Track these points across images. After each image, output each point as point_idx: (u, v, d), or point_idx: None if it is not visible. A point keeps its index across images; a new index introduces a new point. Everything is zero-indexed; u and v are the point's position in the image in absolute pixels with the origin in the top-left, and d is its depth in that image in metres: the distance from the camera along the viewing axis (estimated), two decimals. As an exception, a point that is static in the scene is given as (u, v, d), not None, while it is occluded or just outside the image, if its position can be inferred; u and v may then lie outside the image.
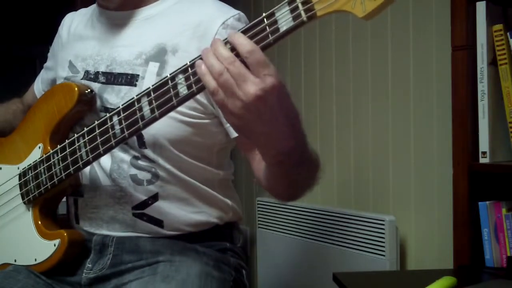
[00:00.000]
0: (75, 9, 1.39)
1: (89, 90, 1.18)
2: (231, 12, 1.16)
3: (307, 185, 1.07)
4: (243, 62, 0.83)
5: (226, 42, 0.86)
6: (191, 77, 0.90)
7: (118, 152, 1.16)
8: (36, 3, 2.94)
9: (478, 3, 1.36)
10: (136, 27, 1.20)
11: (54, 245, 1.16)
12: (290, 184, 1.03)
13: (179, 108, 1.06)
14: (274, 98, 0.83)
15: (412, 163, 1.80)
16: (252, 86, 0.82)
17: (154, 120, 0.98)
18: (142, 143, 1.14)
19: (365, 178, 1.97)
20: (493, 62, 1.36)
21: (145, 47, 1.16)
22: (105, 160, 1.17)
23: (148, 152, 1.15)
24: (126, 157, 1.16)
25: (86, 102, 1.18)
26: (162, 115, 0.96)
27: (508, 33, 1.34)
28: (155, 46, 1.16)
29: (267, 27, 0.85)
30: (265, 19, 0.85)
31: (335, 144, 2.10)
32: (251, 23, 0.87)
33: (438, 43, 1.70)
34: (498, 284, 1.26)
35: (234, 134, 1.13)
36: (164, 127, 1.12)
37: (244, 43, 0.83)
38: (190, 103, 1.08)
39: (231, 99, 0.83)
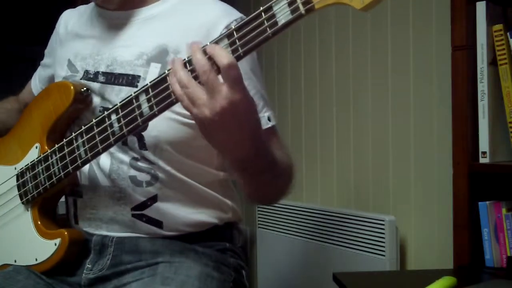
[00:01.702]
0: (74, 7, 1.37)
1: (84, 88, 1.17)
2: (233, 15, 1.15)
3: (276, 191, 1.12)
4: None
5: (204, 50, 0.88)
6: (190, 73, 0.91)
7: (117, 153, 1.16)
8: (35, 3, 2.94)
9: (478, 3, 1.36)
10: (137, 27, 1.20)
11: (55, 245, 1.16)
12: (257, 190, 1.08)
13: (180, 110, 1.08)
14: (241, 112, 0.87)
15: (412, 163, 1.80)
16: (222, 100, 0.85)
17: (153, 116, 0.98)
18: (142, 145, 1.14)
19: (365, 178, 1.97)
20: (493, 62, 1.36)
21: (147, 47, 1.16)
22: (105, 161, 1.17)
23: (148, 154, 1.14)
24: (126, 158, 1.16)
25: (82, 101, 1.18)
26: (161, 111, 0.97)
27: (508, 33, 1.34)
28: (157, 46, 1.15)
29: (265, 21, 0.86)
30: (263, 13, 0.86)
31: (335, 144, 2.10)
32: (249, 17, 0.87)
33: (438, 43, 1.70)
34: (498, 284, 1.26)
35: None
36: (165, 129, 1.12)
37: (223, 55, 0.86)
38: None
39: (196, 107, 0.88)
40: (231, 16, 1.15)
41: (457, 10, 1.38)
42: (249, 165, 0.96)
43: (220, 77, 0.87)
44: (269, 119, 1.16)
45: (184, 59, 0.91)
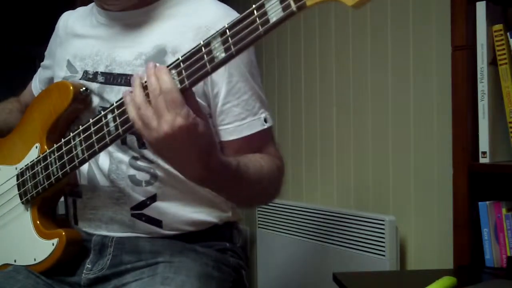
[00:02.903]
0: (74, 8, 1.38)
1: (84, 88, 1.18)
2: (233, 16, 1.15)
3: (254, 200, 1.18)
4: None
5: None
6: (183, 71, 0.91)
7: (117, 153, 1.16)
8: (36, 3, 2.94)
9: (478, 3, 1.36)
10: (136, 27, 1.20)
11: (53, 245, 1.16)
12: (228, 198, 1.14)
13: None
14: (183, 137, 0.89)
15: (412, 163, 1.80)
16: (164, 124, 0.88)
17: None
18: (142, 143, 1.14)
19: (365, 178, 1.97)
20: (493, 62, 1.36)
21: (145, 47, 1.16)
22: (104, 161, 1.17)
23: (147, 152, 1.14)
24: (125, 158, 1.16)
25: (82, 101, 1.18)
26: None
27: (508, 33, 1.34)
28: (155, 47, 1.15)
29: (257, 19, 0.85)
30: (255, 11, 0.85)
31: (335, 144, 2.10)
32: (241, 16, 0.87)
33: (438, 43, 1.70)
34: (498, 284, 1.26)
35: (223, 137, 1.14)
36: None
37: (165, 80, 0.89)
38: None
39: (147, 130, 0.90)
40: (230, 17, 1.14)
41: (457, 10, 1.38)
42: (206, 183, 0.99)
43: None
44: (265, 120, 1.16)
45: (145, 81, 0.93)
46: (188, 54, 0.91)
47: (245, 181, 1.04)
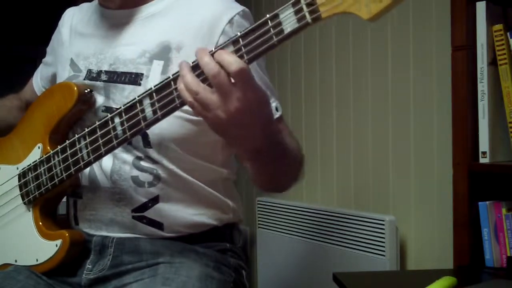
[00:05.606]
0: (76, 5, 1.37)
1: (88, 89, 1.18)
2: (235, 8, 1.15)
3: (289, 178, 1.12)
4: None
5: (212, 54, 0.88)
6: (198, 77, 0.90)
7: (120, 153, 1.15)
8: (36, 3, 2.94)
9: (478, 3, 1.36)
10: (139, 25, 1.20)
11: (56, 246, 1.16)
12: (271, 178, 1.08)
13: (185, 107, 1.07)
14: (254, 110, 0.88)
15: (412, 163, 1.80)
16: (235, 101, 0.86)
17: (156, 121, 0.98)
18: (147, 143, 1.14)
19: (365, 178, 1.97)
20: (493, 62, 1.36)
21: (149, 45, 1.16)
22: (106, 161, 1.16)
23: (152, 152, 1.14)
24: (129, 158, 1.15)
25: (86, 102, 1.18)
26: (164, 116, 0.97)
27: (508, 33, 1.34)
28: (159, 44, 1.15)
29: (271, 29, 0.85)
30: (269, 21, 0.85)
31: (335, 144, 2.10)
32: (256, 24, 0.87)
33: (438, 43, 1.70)
34: (498, 284, 1.26)
35: None
36: (169, 126, 1.11)
37: (231, 62, 0.85)
38: None
39: (210, 112, 0.88)
40: (233, 9, 1.15)
41: (457, 10, 1.38)
42: (262, 155, 0.96)
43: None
44: (276, 109, 1.16)
45: (192, 63, 0.91)
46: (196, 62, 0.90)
47: (289, 156, 1.04)
